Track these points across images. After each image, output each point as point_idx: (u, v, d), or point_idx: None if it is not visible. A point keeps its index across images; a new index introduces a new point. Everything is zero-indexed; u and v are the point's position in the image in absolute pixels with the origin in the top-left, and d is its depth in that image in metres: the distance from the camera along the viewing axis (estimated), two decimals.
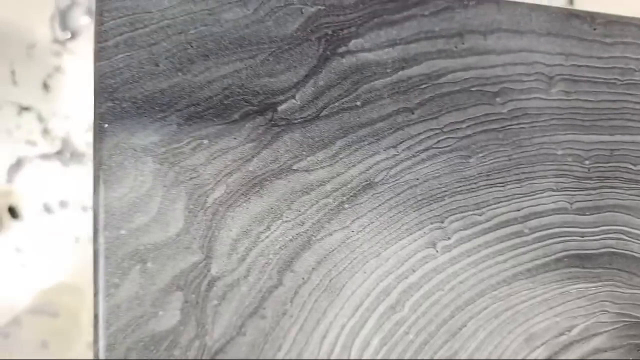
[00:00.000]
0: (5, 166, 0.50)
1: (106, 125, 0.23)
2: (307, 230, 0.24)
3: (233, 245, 0.24)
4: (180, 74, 0.23)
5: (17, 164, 0.50)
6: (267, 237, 0.24)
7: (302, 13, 0.23)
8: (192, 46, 0.23)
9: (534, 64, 0.25)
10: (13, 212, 0.51)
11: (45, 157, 0.50)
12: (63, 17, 0.48)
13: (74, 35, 0.49)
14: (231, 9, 0.23)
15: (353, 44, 0.24)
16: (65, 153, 0.50)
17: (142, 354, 0.22)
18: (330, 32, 0.24)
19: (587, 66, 0.26)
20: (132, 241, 0.23)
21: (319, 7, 0.23)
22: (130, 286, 0.23)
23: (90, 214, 0.51)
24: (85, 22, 0.50)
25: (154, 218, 0.23)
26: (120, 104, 0.23)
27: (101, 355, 0.22)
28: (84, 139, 0.50)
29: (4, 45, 0.48)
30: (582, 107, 0.26)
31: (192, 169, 0.24)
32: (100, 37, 0.23)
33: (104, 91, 0.23)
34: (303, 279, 0.24)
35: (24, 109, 0.49)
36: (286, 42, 0.23)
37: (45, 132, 0.50)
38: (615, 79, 0.26)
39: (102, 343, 0.22)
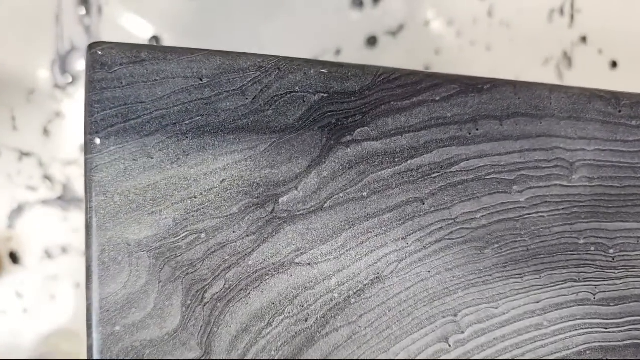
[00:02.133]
0: (6, 212, 0.49)
1: (95, 220, 0.22)
2: (311, 326, 0.23)
3: (232, 342, 0.23)
4: (175, 166, 0.22)
5: (18, 210, 0.49)
6: (268, 333, 0.23)
7: (304, 101, 0.22)
8: (187, 137, 0.22)
9: (554, 150, 0.23)
10: (14, 257, 0.50)
11: (46, 202, 0.49)
12: (63, 62, 0.47)
13: (74, 80, 0.48)
14: (228, 98, 0.22)
15: (358, 132, 0.22)
16: (65, 198, 0.49)
17: None
18: (334, 121, 0.22)
19: (611, 150, 0.24)
20: (127, 337, 0.22)
21: (322, 94, 0.22)
22: None
23: None
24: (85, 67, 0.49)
25: (149, 314, 0.22)
26: (112, 197, 0.22)
27: None
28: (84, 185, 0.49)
29: (4, 91, 0.48)
30: (606, 194, 0.24)
31: (189, 264, 0.22)
32: (90, 128, 0.21)
33: (95, 185, 0.22)
34: None
35: (25, 154, 0.49)
36: (287, 132, 0.22)
37: (46, 177, 0.49)
38: None
39: None
